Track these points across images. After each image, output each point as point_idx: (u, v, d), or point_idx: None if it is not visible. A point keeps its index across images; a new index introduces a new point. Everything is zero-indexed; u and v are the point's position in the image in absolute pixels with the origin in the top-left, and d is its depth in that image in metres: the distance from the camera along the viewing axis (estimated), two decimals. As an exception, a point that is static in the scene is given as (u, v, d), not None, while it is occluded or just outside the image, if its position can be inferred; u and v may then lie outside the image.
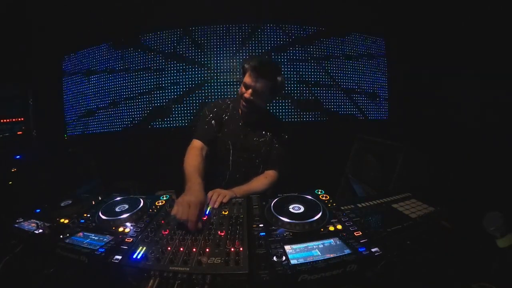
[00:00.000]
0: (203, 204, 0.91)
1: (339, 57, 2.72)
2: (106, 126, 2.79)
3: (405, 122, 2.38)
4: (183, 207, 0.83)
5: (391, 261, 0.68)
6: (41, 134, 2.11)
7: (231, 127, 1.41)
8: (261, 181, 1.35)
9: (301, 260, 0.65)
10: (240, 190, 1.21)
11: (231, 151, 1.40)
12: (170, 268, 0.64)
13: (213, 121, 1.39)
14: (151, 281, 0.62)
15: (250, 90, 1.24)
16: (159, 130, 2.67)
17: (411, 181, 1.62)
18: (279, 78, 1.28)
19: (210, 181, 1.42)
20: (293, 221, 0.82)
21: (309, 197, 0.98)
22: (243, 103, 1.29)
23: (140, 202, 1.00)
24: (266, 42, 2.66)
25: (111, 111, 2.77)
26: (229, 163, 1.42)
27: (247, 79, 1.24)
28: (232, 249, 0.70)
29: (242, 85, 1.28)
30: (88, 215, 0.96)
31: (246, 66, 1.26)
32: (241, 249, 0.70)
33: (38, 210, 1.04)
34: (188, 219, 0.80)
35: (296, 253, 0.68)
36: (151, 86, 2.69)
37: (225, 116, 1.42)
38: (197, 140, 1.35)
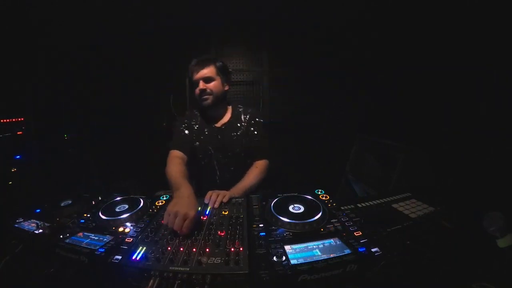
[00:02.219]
0: (195, 210, 0.84)
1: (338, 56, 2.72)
2: (106, 126, 2.79)
3: (405, 122, 2.38)
4: (171, 218, 0.80)
5: (391, 261, 0.68)
6: (41, 134, 2.11)
7: (206, 133, 1.43)
8: (254, 173, 1.36)
9: (301, 260, 0.65)
10: (237, 189, 1.21)
11: (213, 154, 1.41)
12: (170, 268, 0.64)
13: (186, 131, 1.43)
14: (151, 281, 0.62)
15: (200, 82, 1.34)
16: (160, 130, 2.67)
17: (411, 181, 1.62)
18: (218, 64, 1.38)
19: (201, 188, 1.46)
20: (293, 221, 0.82)
21: (309, 197, 0.98)
22: (202, 97, 1.35)
23: (140, 202, 1.00)
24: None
25: (112, 111, 2.77)
26: (215, 168, 1.43)
27: (194, 76, 1.36)
28: (232, 249, 0.70)
29: (195, 89, 1.37)
30: (88, 215, 0.96)
31: (189, 70, 1.39)
32: (241, 249, 0.70)
33: (38, 210, 1.04)
34: (178, 231, 0.78)
35: (296, 253, 0.68)
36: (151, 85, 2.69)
37: (195, 125, 1.45)
38: (175, 151, 1.36)
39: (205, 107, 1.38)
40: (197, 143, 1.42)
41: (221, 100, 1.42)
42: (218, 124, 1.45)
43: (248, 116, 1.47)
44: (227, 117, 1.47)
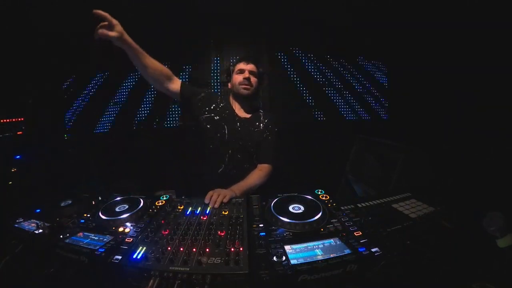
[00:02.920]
0: None
1: (339, 56, 2.72)
2: (106, 126, 2.80)
3: (405, 122, 2.38)
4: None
5: (391, 261, 0.68)
6: (41, 134, 2.11)
7: (224, 118, 1.48)
8: (257, 174, 1.39)
9: (301, 260, 0.65)
10: (239, 187, 1.22)
11: (226, 138, 1.44)
12: (170, 268, 0.64)
13: (201, 95, 1.49)
14: (151, 281, 0.62)
15: (246, 71, 1.47)
16: (159, 130, 2.67)
17: (411, 181, 1.62)
18: (261, 69, 1.55)
19: (202, 177, 1.53)
20: (293, 221, 0.82)
21: (309, 197, 0.98)
22: (244, 84, 1.46)
23: (140, 202, 1.00)
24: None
25: (111, 111, 2.77)
26: (222, 155, 1.45)
27: (241, 65, 1.50)
28: (232, 249, 0.70)
29: (235, 75, 1.50)
30: (88, 215, 0.96)
31: (235, 61, 1.54)
32: (241, 249, 0.70)
33: (38, 210, 1.04)
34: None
35: (296, 253, 0.68)
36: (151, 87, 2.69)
37: (216, 106, 1.50)
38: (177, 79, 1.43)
39: (241, 94, 1.48)
40: (217, 116, 1.47)
41: (253, 97, 1.55)
42: (241, 115, 1.53)
43: (267, 120, 1.54)
44: (249, 113, 1.56)
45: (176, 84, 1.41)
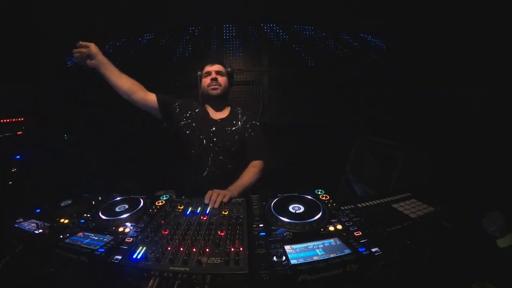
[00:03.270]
0: None
1: (339, 55, 2.72)
2: (106, 126, 2.79)
3: (405, 122, 2.38)
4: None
5: (391, 261, 0.68)
6: (41, 134, 2.10)
7: (200, 123, 1.50)
8: (251, 172, 1.38)
9: (301, 260, 0.65)
10: (236, 188, 1.22)
11: (204, 143, 1.46)
12: (170, 268, 0.64)
13: (177, 103, 1.53)
14: (151, 281, 0.62)
15: (213, 72, 1.51)
16: (160, 130, 2.67)
17: (411, 181, 1.62)
18: (228, 69, 1.59)
19: (187, 181, 1.55)
20: (293, 221, 0.82)
21: (309, 197, 0.98)
22: (212, 85, 1.49)
23: (140, 202, 1.00)
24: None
25: (112, 111, 2.76)
26: (205, 159, 1.46)
27: (207, 68, 1.54)
28: (232, 249, 0.70)
29: (203, 79, 1.55)
30: (88, 215, 0.96)
31: (203, 66, 1.58)
32: (241, 249, 0.70)
33: (38, 210, 1.04)
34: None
35: (296, 253, 0.68)
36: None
37: (192, 113, 1.53)
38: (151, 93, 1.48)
39: (211, 96, 1.50)
40: (188, 131, 1.49)
41: (225, 96, 1.57)
42: (215, 118, 1.54)
43: (245, 117, 1.56)
44: (225, 113, 1.57)
45: (151, 96, 1.46)
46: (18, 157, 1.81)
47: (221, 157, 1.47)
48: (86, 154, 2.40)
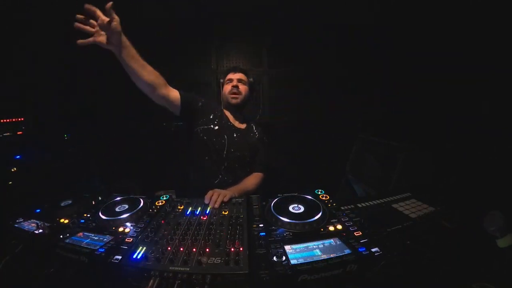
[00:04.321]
0: None
1: (339, 55, 2.72)
2: (106, 126, 2.79)
3: (406, 121, 2.38)
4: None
5: (391, 261, 0.68)
6: (41, 134, 2.10)
7: (222, 129, 1.47)
8: (253, 180, 1.43)
9: (301, 260, 0.65)
10: (237, 189, 1.23)
11: (224, 150, 1.43)
12: (170, 268, 0.64)
13: (200, 104, 1.48)
14: (151, 281, 0.62)
15: (234, 80, 1.53)
16: (160, 130, 2.67)
17: (411, 181, 1.62)
18: (251, 79, 1.62)
19: (199, 187, 1.46)
20: (293, 221, 0.82)
21: (309, 197, 0.98)
22: (233, 93, 1.50)
23: (140, 202, 1.00)
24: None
25: (112, 110, 2.76)
26: (219, 165, 1.42)
27: (230, 75, 1.56)
28: (232, 249, 0.70)
29: (225, 85, 1.56)
30: (88, 215, 0.96)
31: (225, 71, 1.63)
32: (241, 249, 0.70)
33: (38, 210, 1.04)
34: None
35: (296, 253, 0.68)
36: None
37: (214, 117, 1.49)
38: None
39: (231, 104, 1.51)
40: (217, 127, 1.45)
41: (244, 106, 1.58)
42: (236, 126, 1.55)
43: (259, 130, 1.61)
44: (243, 123, 1.59)
45: (174, 92, 1.35)
46: (18, 157, 1.81)
47: (236, 165, 1.45)
48: (86, 154, 2.40)
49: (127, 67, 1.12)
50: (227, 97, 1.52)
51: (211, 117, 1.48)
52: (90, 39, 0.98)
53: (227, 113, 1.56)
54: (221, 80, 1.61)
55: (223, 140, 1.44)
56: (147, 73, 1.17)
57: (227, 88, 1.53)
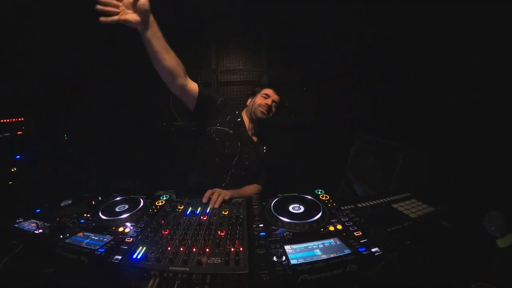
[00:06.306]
0: None
1: (339, 55, 2.72)
2: (106, 126, 2.79)
3: (405, 122, 2.38)
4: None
5: (391, 261, 0.68)
6: (41, 134, 2.10)
7: (239, 135, 1.45)
8: (254, 189, 1.46)
9: (301, 260, 0.65)
10: (236, 192, 1.24)
11: (236, 156, 1.41)
12: (170, 268, 0.64)
13: (218, 102, 1.43)
14: (151, 281, 0.62)
15: (270, 99, 1.51)
16: (160, 130, 2.67)
17: (411, 181, 1.62)
18: (286, 103, 1.65)
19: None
20: (293, 221, 0.82)
21: (309, 197, 0.98)
22: (263, 109, 1.48)
23: (140, 202, 1.00)
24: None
25: (112, 110, 2.77)
26: (228, 174, 1.41)
27: (269, 91, 1.54)
28: (232, 249, 0.70)
29: (259, 96, 1.54)
30: (88, 215, 0.96)
31: (266, 81, 1.59)
32: (241, 249, 0.70)
33: (38, 210, 1.04)
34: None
35: (296, 253, 0.68)
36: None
37: (231, 119, 1.46)
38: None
39: (256, 116, 1.49)
40: (231, 130, 1.42)
41: (264, 123, 1.57)
42: (252, 136, 1.56)
43: (266, 147, 1.59)
44: (256, 137, 1.59)
45: (193, 84, 1.28)
46: (18, 157, 1.81)
47: (243, 173, 1.44)
48: (85, 154, 2.40)
49: (152, 48, 1.06)
50: (256, 108, 1.49)
51: (227, 119, 1.43)
52: (115, 17, 0.91)
53: (246, 120, 1.55)
54: (256, 88, 1.60)
55: (237, 146, 1.41)
56: (170, 58, 1.11)
57: (261, 100, 1.51)
